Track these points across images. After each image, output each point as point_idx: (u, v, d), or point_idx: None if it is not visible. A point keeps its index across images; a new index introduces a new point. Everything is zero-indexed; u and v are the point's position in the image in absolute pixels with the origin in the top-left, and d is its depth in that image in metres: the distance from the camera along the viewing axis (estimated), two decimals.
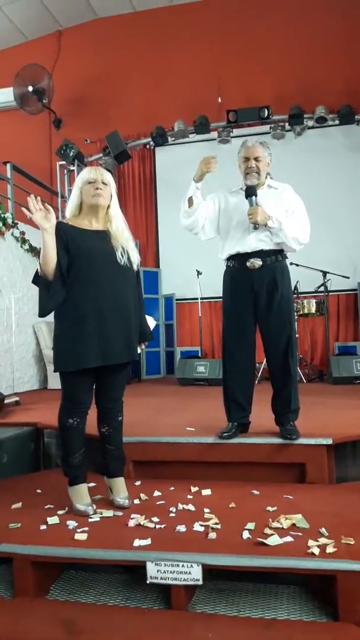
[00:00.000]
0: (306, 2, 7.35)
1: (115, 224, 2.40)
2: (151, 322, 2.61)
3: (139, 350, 2.50)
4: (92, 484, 2.60)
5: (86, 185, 2.36)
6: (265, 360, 2.99)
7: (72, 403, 2.35)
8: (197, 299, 6.82)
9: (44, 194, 6.98)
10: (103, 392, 2.45)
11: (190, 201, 2.89)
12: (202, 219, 2.95)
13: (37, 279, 2.29)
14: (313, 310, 6.14)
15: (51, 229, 2.22)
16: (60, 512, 2.34)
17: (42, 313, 2.28)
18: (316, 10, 7.31)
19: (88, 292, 2.28)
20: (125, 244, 2.39)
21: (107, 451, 2.48)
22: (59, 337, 2.32)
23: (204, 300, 6.97)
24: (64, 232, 2.29)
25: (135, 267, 2.45)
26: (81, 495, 2.37)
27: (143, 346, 2.56)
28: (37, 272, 2.28)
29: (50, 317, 2.36)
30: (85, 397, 2.37)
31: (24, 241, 5.92)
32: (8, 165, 6.13)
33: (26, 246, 5.95)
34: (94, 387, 2.44)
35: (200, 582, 1.85)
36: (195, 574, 1.85)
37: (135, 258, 2.44)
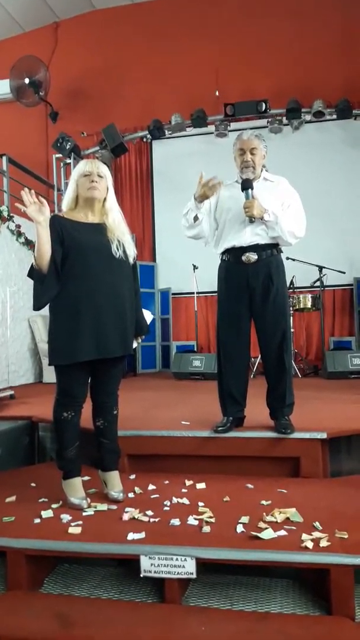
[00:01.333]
0: None
1: (112, 217, 2.39)
2: (148, 315, 2.60)
3: (135, 344, 2.49)
4: (86, 478, 2.60)
5: (82, 178, 2.34)
6: (260, 354, 2.98)
7: (67, 397, 2.34)
8: (193, 293, 6.81)
9: (40, 187, 6.95)
10: (98, 385, 2.44)
11: (195, 218, 2.88)
12: (207, 228, 2.95)
13: (32, 273, 2.27)
14: (309, 305, 6.14)
15: (45, 222, 2.20)
16: (54, 506, 2.33)
17: (36, 306, 2.27)
18: (315, 5, 7.28)
19: (83, 285, 2.26)
20: (121, 237, 2.37)
21: (102, 445, 2.47)
22: (54, 330, 2.30)
23: (200, 295, 6.96)
24: (59, 225, 2.27)
25: (131, 261, 2.43)
26: (75, 488, 2.37)
27: (139, 340, 2.55)
28: (32, 265, 2.27)
29: (46, 311, 2.35)
30: (80, 391, 2.36)
31: (19, 234, 5.89)
32: (4, 158, 6.08)
33: (22, 239, 5.92)
34: (89, 380, 2.43)
35: (194, 576, 1.86)
36: (189, 568, 1.85)
37: (131, 251, 2.42)
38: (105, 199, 2.40)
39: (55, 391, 2.38)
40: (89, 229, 2.33)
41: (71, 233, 2.28)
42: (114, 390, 2.49)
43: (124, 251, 2.37)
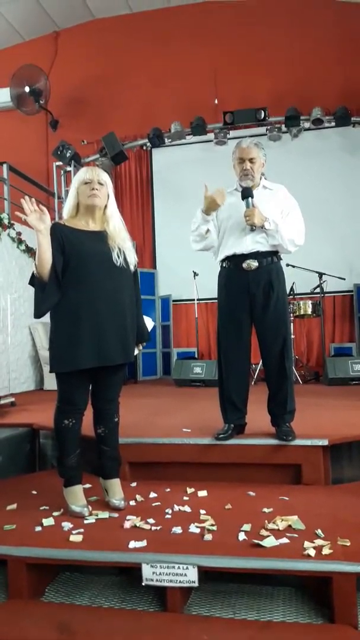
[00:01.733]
0: (303, 5, 7.37)
1: (113, 224, 2.39)
2: (149, 322, 2.60)
3: (136, 352, 2.49)
4: (87, 485, 2.59)
5: (82, 185, 2.35)
6: (261, 361, 2.98)
7: (68, 404, 2.34)
8: (193, 300, 6.82)
9: (40, 195, 6.98)
10: (99, 393, 2.44)
11: (207, 230, 2.90)
12: (215, 238, 2.96)
13: (33, 281, 2.28)
14: (309, 311, 6.14)
15: (46, 231, 2.21)
16: (55, 514, 2.33)
17: (37, 314, 2.27)
18: (313, 13, 7.33)
19: (83, 293, 2.27)
20: (122, 244, 2.38)
21: (103, 452, 2.47)
22: (55, 338, 2.31)
23: (200, 302, 6.97)
24: (60, 233, 2.28)
25: (132, 268, 2.44)
26: (76, 496, 2.36)
27: (140, 347, 2.55)
28: (33, 273, 2.27)
29: (47, 318, 2.35)
30: (81, 398, 2.36)
31: (20, 242, 5.91)
32: (4, 166, 6.12)
33: (22, 247, 5.93)
34: (90, 388, 2.43)
35: (196, 584, 1.85)
36: (191, 576, 1.84)
37: (132, 259, 2.43)
38: (106, 206, 2.41)
39: (56, 398, 2.38)
40: (89, 236, 2.34)
41: (72, 241, 2.28)
42: (115, 397, 2.49)
43: (125, 258, 2.38)
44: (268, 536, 1.97)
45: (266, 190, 2.93)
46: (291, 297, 6.08)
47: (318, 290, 6.27)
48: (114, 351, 2.31)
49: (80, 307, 2.26)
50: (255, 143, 2.89)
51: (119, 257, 2.34)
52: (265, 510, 2.27)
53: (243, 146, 2.87)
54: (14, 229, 5.84)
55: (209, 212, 2.84)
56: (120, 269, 2.36)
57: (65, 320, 2.27)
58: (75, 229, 2.34)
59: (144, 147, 7.81)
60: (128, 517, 2.24)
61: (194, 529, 2.11)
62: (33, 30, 8.21)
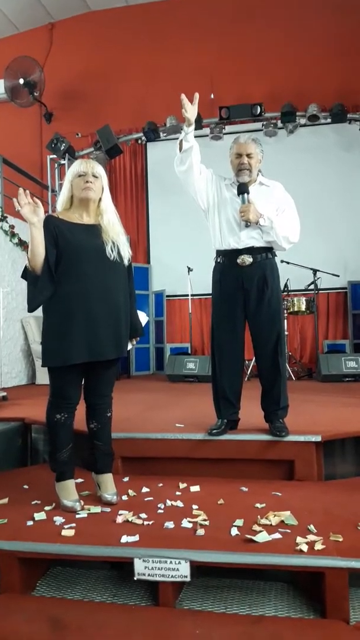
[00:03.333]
0: (300, 2, 7.35)
1: (107, 217, 2.37)
2: (143, 317, 2.59)
3: (129, 346, 2.48)
4: (80, 480, 2.58)
5: (76, 178, 2.32)
6: (254, 357, 2.98)
7: (60, 398, 2.33)
8: (187, 295, 6.82)
9: (34, 188, 6.93)
10: (92, 388, 2.42)
11: (180, 144, 2.79)
12: (197, 164, 2.84)
13: (26, 274, 2.26)
14: (303, 308, 6.16)
15: (39, 223, 2.19)
16: (47, 508, 2.31)
17: (30, 308, 2.26)
18: (310, 9, 7.32)
19: (76, 287, 2.25)
20: (116, 238, 2.36)
21: (96, 447, 2.46)
22: (47, 332, 2.29)
23: (194, 297, 6.96)
24: (53, 226, 2.26)
25: (126, 262, 2.42)
26: (68, 491, 2.35)
27: (134, 342, 2.53)
28: (25, 266, 2.25)
29: (39, 312, 2.34)
30: (74, 393, 2.35)
31: (13, 235, 5.87)
32: None
33: (15, 240, 5.89)
34: (83, 383, 2.42)
35: (188, 579, 1.84)
36: (183, 571, 1.84)
37: (126, 253, 2.41)
38: (100, 200, 2.38)
39: (49, 393, 2.36)
40: (83, 230, 2.32)
41: (65, 234, 2.26)
42: (108, 392, 2.48)
43: (119, 252, 2.36)
44: (261, 531, 1.97)
45: (262, 186, 2.91)
46: (285, 293, 6.09)
47: (312, 287, 6.28)
48: (106, 346, 2.29)
49: (73, 301, 2.24)
50: (253, 139, 2.88)
51: (112, 251, 2.32)
52: (258, 505, 2.27)
53: (241, 141, 2.86)
54: (7, 221, 5.80)
55: (190, 123, 2.69)
56: (114, 263, 2.34)
57: (58, 314, 2.26)
58: (69, 222, 2.32)
59: (139, 141, 7.78)
60: (120, 511, 2.23)
61: (186, 524, 2.10)
62: (28, 22, 8.14)
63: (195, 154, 2.80)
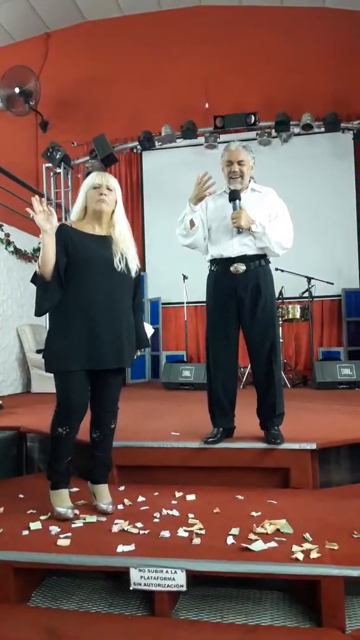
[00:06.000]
0: (295, 11, 7.44)
1: (119, 229, 2.42)
2: (149, 329, 2.62)
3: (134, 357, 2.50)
4: (75, 489, 2.58)
5: (91, 190, 2.37)
6: (249, 364, 2.99)
7: (65, 409, 2.31)
8: (182, 303, 6.82)
9: (29, 196, 6.93)
10: (97, 398, 2.43)
11: (191, 222, 2.89)
12: (201, 238, 2.95)
13: (36, 279, 2.30)
14: (297, 315, 6.18)
15: (51, 231, 2.23)
16: (42, 518, 2.31)
17: (38, 312, 2.30)
18: (304, 19, 7.40)
19: (81, 295, 2.29)
20: (125, 250, 2.40)
21: (95, 457, 2.46)
22: (51, 337, 2.32)
23: (189, 305, 6.97)
24: (65, 234, 2.31)
25: (133, 274, 2.45)
26: (62, 498, 2.34)
27: (138, 353, 2.56)
28: (35, 271, 2.30)
29: (35, 320, 2.35)
30: (80, 403, 2.33)
31: (9, 243, 5.86)
32: None
33: (10, 248, 5.89)
34: (90, 393, 2.41)
35: (184, 588, 1.84)
36: (179, 580, 1.83)
37: (134, 265, 2.45)
38: (113, 212, 2.43)
39: (55, 403, 2.36)
40: (94, 240, 2.36)
41: (76, 244, 2.31)
42: (113, 403, 2.47)
43: (127, 265, 2.39)
44: (256, 540, 1.97)
45: (255, 193, 2.94)
46: (280, 301, 6.11)
47: (306, 294, 6.30)
48: (107, 355, 2.31)
49: (77, 309, 2.28)
50: (244, 146, 2.91)
51: (120, 262, 2.36)
52: (254, 514, 2.27)
53: (232, 149, 2.88)
54: (2, 230, 5.80)
55: (196, 202, 2.82)
56: (121, 275, 2.37)
57: (62, 321, 2.30)
58: (81, 232, 2.36)
59: (134, 150, 7.81)
60: (116, 521, 2.23)
61: (182, 533, 2.10)
62: (24, 31, 8.18)
63: (199, 233, 2.93)
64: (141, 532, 2.13)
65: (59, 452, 2.35)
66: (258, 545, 1.93)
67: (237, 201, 2.81)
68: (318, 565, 1.81)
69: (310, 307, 6.33)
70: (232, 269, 2.84)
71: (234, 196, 2.82)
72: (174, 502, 2.49)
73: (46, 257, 2.23)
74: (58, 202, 7.38)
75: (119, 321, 2.35)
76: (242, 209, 2.79)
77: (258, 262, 2.87)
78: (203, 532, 2.10)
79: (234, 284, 2.84)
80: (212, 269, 2.95)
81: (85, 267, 2.29)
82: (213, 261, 2.94)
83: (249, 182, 2.94)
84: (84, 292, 2.29)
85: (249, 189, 2.93)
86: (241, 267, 2.83)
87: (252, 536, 2.02)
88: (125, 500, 2.50)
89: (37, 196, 2.26)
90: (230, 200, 2.83)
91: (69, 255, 2.29)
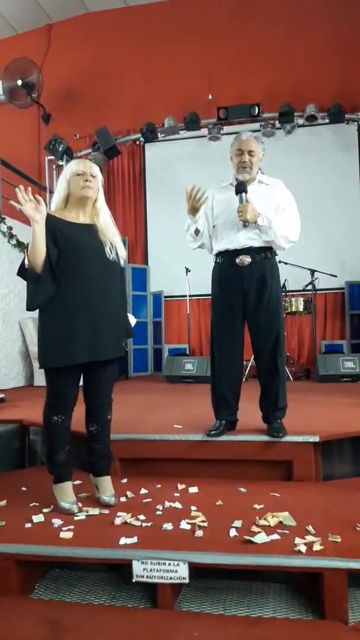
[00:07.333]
0: (298, 3, 7.35)
1: (103, 217, 2.38)
2: (132, 319, 2.59)
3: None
4: (77, 482, 2.57)
5: (74, 177, 2.32)
6: (253, 357, 2.98)
7: (57, 400, 2.32)
8: (185, 296, 6.81)
9: (32, 189, 6.91)
10: (92, 390, 2.41)
11: (196, 231, 2.92)
12: (209, 238, 2.98)
13: (24, 272, 2.23)
14: (301, 308, 6.16)
15: (42, 220, 2.17)
16: (45, 510, 2.31)
17: (31, 306, 2.24)
18: (308, 10, 7.32)
19: (76, 287, 2.25)
20: (113, 238, 2.37)
21: (94, 450, 2.45)
22: (45, 333, 2.28)
23: (192, 298, 6.95)
24: (52, 225, 2.24)
25: (122, 263, 2.43)
26: (66, 493, 2.34)
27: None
28: (22, 264, 2.23)
29: (36, 313, 2.33)
30: (71, 394, 2.33)
31: (11, 236, 5.85)
32: None
33: (13, 241, 5.88)
34: (83, 386, 2.41)
35: (187, 581, 1.84)
36: (181, 573, 1.83)
37: (123, 253, 2.42)
38: (96, 199, 2.39)
39: (45, 394, 2.36)
40: (81, 229, 2.32)
41: (65, 233, 2.26)
42: (108, 394, 2.47)
43: (117, 253, 2.37)
44: (259, 532, 1.97)
45: (262, 184, 2.91)
46: (283, 293, 6.09)
47: (310, 287, 6.28)
48: (107, 345, 2.30)
49: (74, 301, 2.24)
50: (255, 136, 2.89)
51: (111, 251, 2.33)
52: (257, 506, 2.27)
53: (243, 138, 2.85)
54: (5, 223, 5.79)
55: (194, 213, 2.83)
56: (112, 264, 2.35)
57: (58, 315, 2.24)
58: (67, 222, 2.32)
59: (137, 142, 7.78)
60: (119, 513, 2.23)
61: (184, 525, 2.10)
62: (26, 23, 8.13)
63: (206, 231, 2.96)
64: (144, 524, 2.12)
65: (56, 442, 2.34)
66: (261, 538, 1.93)
67: (244, 194, 2.77)
68: (321, 557, 1.80)
69: (313, 299, 6.30)
70: (237, 260, 2.82)
71: (240, 189, 2.78)
72: (176, 494, 2.48)
73: (37, 247, 2.16)
74: None
75: (115, 310, 2.34)
76: (248, 202, 2.77)
77: (264, 255, 2.85)
78: (206, 524, 2.10)
79: (240, 276, 2.83)
80: (218, 260, 2.94)
81: (78, 257, 2.25)
82: (219, 253, 2.92)
83: (257, 173, 2.92)
84: (79, 282, 2.24)
85: (256, 180, 2.90)
86: (247, 259, 2.81)
87: (254, 529, 2.02)
88: (128, 493, 2.50)
89: (21, 186, 2.17)
90: (236, 193, 2.80)
91: (59, 246, 2.23)
